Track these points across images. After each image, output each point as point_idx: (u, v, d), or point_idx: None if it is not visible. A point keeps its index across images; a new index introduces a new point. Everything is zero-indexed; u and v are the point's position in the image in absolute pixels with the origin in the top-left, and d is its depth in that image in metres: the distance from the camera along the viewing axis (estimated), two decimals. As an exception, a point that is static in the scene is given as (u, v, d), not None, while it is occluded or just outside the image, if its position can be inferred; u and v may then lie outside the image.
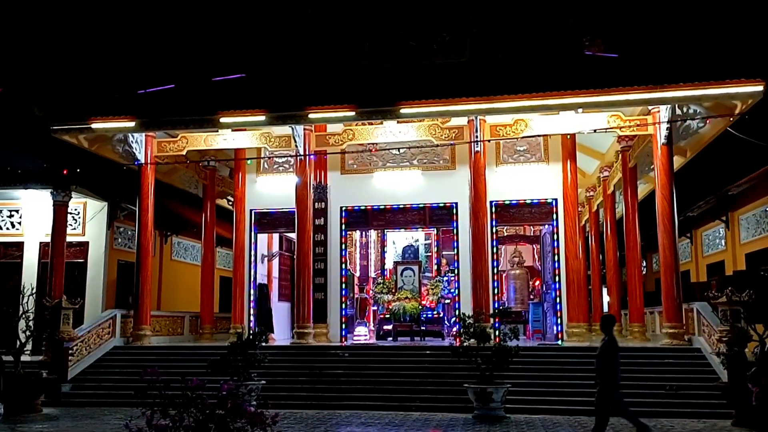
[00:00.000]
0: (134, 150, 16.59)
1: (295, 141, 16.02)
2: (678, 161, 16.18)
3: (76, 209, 18.50)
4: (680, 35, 21.29)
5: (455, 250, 17.45)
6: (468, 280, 15.68)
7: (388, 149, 17.01)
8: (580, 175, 18.39)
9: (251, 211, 18.30)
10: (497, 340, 12.46)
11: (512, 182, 17.09)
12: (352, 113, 15.02)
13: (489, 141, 15.47)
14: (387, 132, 16.39)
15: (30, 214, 18.69)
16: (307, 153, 16.05)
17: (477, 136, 15.15)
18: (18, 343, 12.35)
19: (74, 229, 18.43)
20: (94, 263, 18.65)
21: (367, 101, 15.03)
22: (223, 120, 15.41)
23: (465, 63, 16.98)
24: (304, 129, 15.98)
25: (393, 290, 19.11)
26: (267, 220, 18.40)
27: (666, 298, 14.31)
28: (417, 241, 21.75)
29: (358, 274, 20.94)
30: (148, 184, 16.62)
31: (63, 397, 13.12)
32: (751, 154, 15.31)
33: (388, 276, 20.31)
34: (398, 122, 16.18)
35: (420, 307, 18.35)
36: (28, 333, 12.46)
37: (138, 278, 16.21)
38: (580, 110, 14.79)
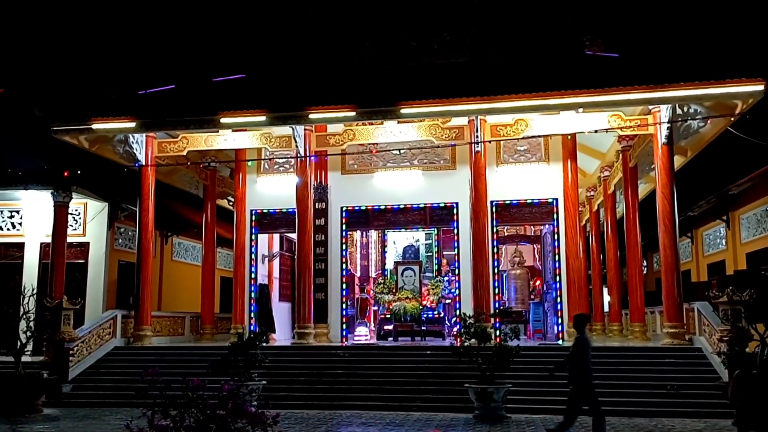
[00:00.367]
0: (135, 150, 16.60)
1: (296, 141, 16.03)
2: (678, 161, 16.16)
3: (76, 210, 18.52)
4: (680, 35, 21.25)
5: (456, 250, 17.45)
6: (469, 280, 15.68)
7: (389, 149, 17.01)
8: (580, 174, 18.40)
9: (252, 211, 18.30)
10: (498, 340, 12.48)
11: (513, 182, 17.08)
12: (353, 113, 15.02)
13: (489, 141, 15.49)
14: (387, 132, 16.39)
15: (31, 215, 18.70)
16: (307, 153, 16.06)
17: (477, 136, 15.16)
18: (19, 343, 12.39)
19: (75, 229, 18.46)
20: (94, 264, 18.66)
21: (368, 101, 15.03)
22: (223, 120, 15.43)
23: (465, 63, 16.97)
24: (305, 129, 15.99)
25: (393, 290, 19.11)
26: (267, 221, 18.41)
27: (667, 298, 14.31)
28: (417, 241, 21.73)
29: (358, 274, 20.95)
30: (149, 185, 16.64)
31: (64, 398, 13.11)
32: (751, 154, 15.28)
33: (388, 276, 20.31)
34: (399, 122, 16.18)
35: (421, 307, 18.35)
36: (28, 334, 12.49)
37: (139, 279, 16.23)
38: (580, 110, 14.80)
